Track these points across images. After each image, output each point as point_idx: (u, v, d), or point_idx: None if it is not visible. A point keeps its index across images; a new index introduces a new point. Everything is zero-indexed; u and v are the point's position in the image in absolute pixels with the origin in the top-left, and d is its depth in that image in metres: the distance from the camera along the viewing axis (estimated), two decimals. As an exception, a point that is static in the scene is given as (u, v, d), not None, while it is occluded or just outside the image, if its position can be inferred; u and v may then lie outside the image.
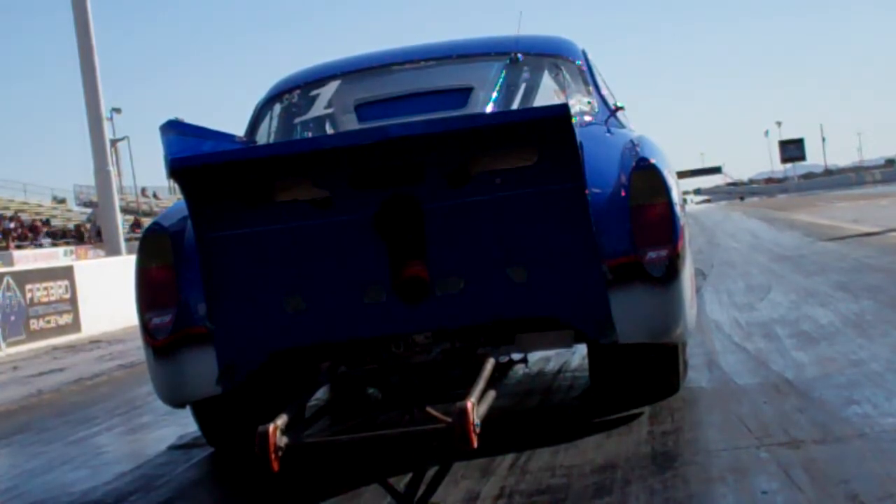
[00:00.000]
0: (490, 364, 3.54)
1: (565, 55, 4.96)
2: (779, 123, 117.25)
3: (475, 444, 3.03)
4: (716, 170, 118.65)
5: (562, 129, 3.38)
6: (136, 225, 46.92)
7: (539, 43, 5.05)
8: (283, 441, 3.14)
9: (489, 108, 4.49)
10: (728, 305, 7.36)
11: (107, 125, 19.43)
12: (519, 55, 4.81)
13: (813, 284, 8.03)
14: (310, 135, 4.68)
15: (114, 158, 40.28)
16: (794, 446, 3.36)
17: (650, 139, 4.31)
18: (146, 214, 52.59)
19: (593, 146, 3.83)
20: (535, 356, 5.18)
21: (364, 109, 4.69)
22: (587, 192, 3.55)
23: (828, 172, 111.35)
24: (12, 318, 12.30)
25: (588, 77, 4.87)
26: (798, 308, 6.76)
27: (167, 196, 63.31)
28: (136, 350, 10.52)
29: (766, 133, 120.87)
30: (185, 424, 5.39)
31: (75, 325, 13.48)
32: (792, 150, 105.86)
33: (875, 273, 8.39)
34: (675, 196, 3.88)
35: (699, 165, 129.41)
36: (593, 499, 3.13)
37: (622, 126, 4.67)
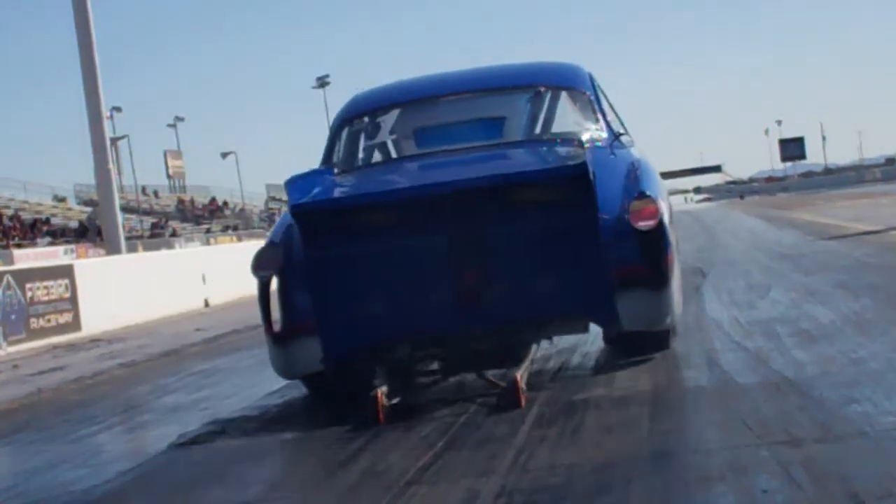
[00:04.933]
0: (533, 348, 5.04)
1: (576, 86, 6.07)
2: (779, 122, 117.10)
3: (523, 405, 4.50)
4: (716, 168, 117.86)
5: (581, 178, 4.64)
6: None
7: (555, 74, 6.25)
8: (386, 402, 4.62)
9: (520, 136, 5.82)
10: (728, 304, 7.36)
11: (107, 124, 19.43)
12: (540, 88, 6.03)
13: (813, 283, 8.03)
14: (379, 157, 6.05)
15: (114, 157, 40.25)
16: (795, 445, 3.36)
17: (647, 163, 5.58)
18: (146, 213, 52.59)
19: (602, 172, 4.83)
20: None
21: (420, 136, 5.98)
22: (598, 216, 4.75)
23: (828, 171, 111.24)
24: (12, 316, 12.30)
25: (596, 106, 5.96)
26: (798, 307, 6.76)
27: (167, 194, 63.37)
28: (137, 349, 10.54)
29: (767, 131, 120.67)
30: (185, 424, 5.40)
31: (75, 324, 13.48)
32: (792, 148, 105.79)
33: (875, 272, 8.39)
34: (666, 217, 5.00)
35: (699, 164, 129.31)
36: (594, 498, 3.13)
37: (624, 147, 5.75)
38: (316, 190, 5.16)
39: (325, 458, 4.20)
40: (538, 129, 5.88)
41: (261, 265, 5.18)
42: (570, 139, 5.54)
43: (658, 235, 4.86)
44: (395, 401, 4.70)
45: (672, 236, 5.08)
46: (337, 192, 5.38)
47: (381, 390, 4.67)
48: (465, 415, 4.57)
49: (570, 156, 5.13)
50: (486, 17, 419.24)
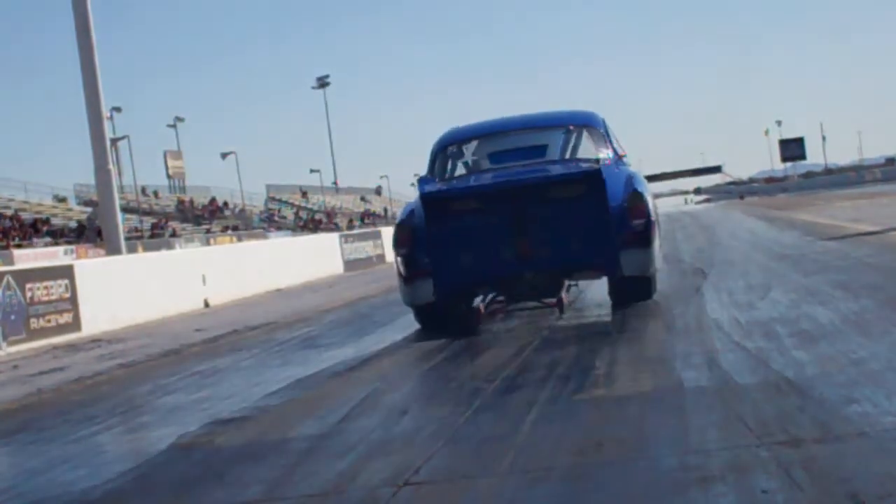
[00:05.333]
0: (566, 283, 7.97)
1: (593, 125, 8.91)
2: (779, 122, 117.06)
3: (564, 312, 7.69)
4: (716, 169, 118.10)
5: (597, 179, 7.36)
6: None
7: (579, 118, 9.08)
8: (484, 310, 7.83)
9: (557, 157, 8.58)
10: (728, 304, 7.37)
11: (107, 124, 19.40)
12: (570, 126, 8.89)
13: (813, 283, 8.03)
14: (465, 171, 8.76)
15: (114, 157, 40.26)
16: (795, 445, 3.36)
17: (638, 174, 8.45)
18: (147, 213, 52.57)
19: (609, 178, 7.48)
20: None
21: (492, 157, 8.79)
22: (608, 204, 7.35)
23: (828, 171, 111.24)
24: (12, 316, 12.29)
25: (606, 138, 8.81)
26: (798, 307, 6.76)
27: (167, 194, 63.34)
28: (137, 349, 10.54)
29: (767, 131, 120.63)
30: (185, 424, 5.40)
31: (75, 324, 13.47)
32: (792, 148, 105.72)
33: (875, 272, 8.39)
34: (650, 205, 7.79)
35: (699, 164, 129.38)
36: (592, 495, 3.13)
37: (624, 165, 8.65)
38: (433, 187, 8.09)
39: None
40: (568, 153, 8.69)
41: (398, 230, 8.04)
42: (589, 159, 8.30)
43: (643, 213, 7.69)
44: (488, 311, 7.98)
45: (654, 218, 7.87)
46: (446, 188, 8.11)
47: (481, 305, 8.04)
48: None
49: (589, 167, 7.79)
50: (487, 17, 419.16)
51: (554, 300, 7.70)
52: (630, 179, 7.97)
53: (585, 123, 8.89)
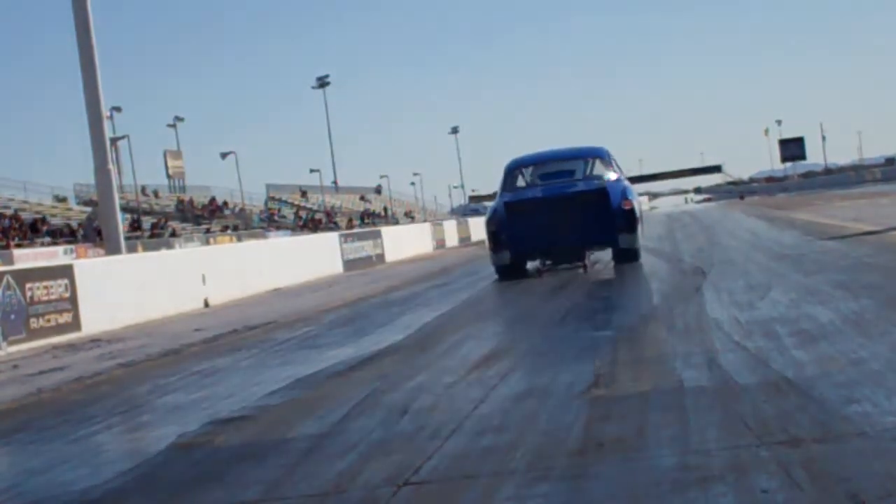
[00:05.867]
0: (587, 252, 13.27)
1: (602, 156, 13.92)
2: (779, 122, 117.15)
3: (587, 271, 12.80)
4: (716, 168, 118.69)
5: (603, 192, 12.84)
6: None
7: (594, 151, 14.11)
8: (539, 269, 13.50)
9: (581, 177, 13.70)
10: (728, 304, 7.36)
11: (107, 124, 19.39)
12: (588, 158, 13.96)
13: (813, 283, 8.03)
14: (524, 185, 13.88)
15: (114, 157, 40.23)
16: (795, 445, 3.36)
17: (629, 186, 13.45)
18: (146, 213, 52.55)
19: (611, 191, 12.83)
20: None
21: (541, 176, 13.91)
22: (611, 207, 12.67)
23: (828, 171, 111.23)
24: (12, 316, 12.29)
25: (610, 164, 13.77)
26: (798, 307, 6.76)
27: (167, 194, 63.31)
28: (137, 349, 10.54)
29: (767, 131, 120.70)
30: (185, 424, 5.40)
31: (75, 324, 13.47)
32: (792, 148, 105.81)
33: (875, 272, 8.39)
34: (636, 207, 13.01)
35: (699, 164, 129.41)
36: (592, 493, 3.13)
37: (620, 181, 13.38)
38: (510, 197, 13.31)
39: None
40: (588, 174, 13.75)
41: (489, 221, 13.30)
42: (600, 177, 13.42)
43: (632, 215, 12.59)
44: (543, 269, 13.26)
45: (638, 214, 12.94)
46: (517, 197, 13.27)
47: (538, 267, 13.43)
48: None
49: (600, 184, 13.07)
50: (487, 17, 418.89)
51: (581, 263, 13.07)
52: (624, 191, 13.04)
53: (597, 155, 14.09)
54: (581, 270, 12.80)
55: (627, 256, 12.75)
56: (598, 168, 13.62)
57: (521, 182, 13.85)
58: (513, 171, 14.04)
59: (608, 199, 12.52)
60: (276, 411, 5.51)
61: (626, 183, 13.47)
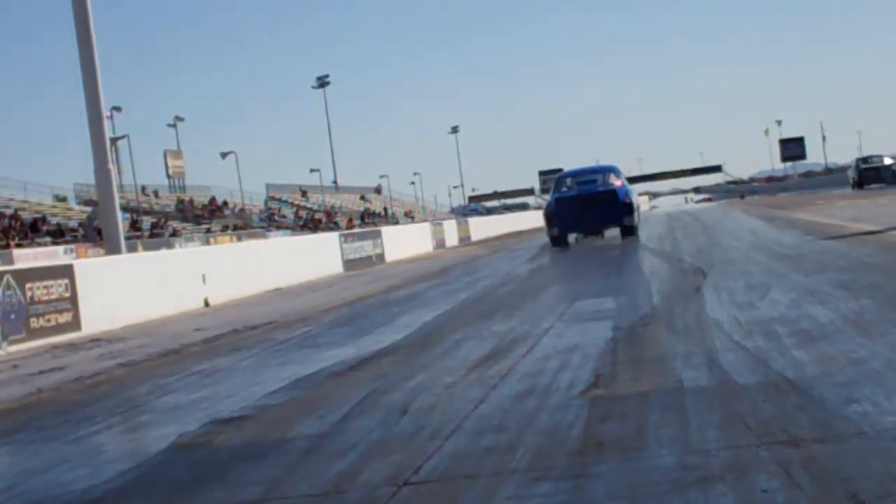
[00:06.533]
0: (604, 229, 22.75)
1: (615, 171, 22.48)
2: (779, 122, 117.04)
3: (603, 237, 22.85)
4: (716, 168, 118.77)
5: (614, 192, 21.17)
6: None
7: (609, 168, 22.94)
8: (575, 241, 22.91)
9: (600, 184, 21.76)
10: (728, 304, 7.36)
11: (107, 123, 19.39)
12: (605, 172, 22.51)
13: (813, 283, 8.03)
14: (566, 188, 22.16)
15: (114, 157, 40.25)
16: (795, 445, 3.37)
17: (631, 189, 22.56)
18: (146, 213, 52.54)
19: (619, 192, 21.26)
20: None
21: (577, 184, 22.10)
22: (619, 201, 21.19)
23: (828, 171, 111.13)
24: (12, 316, 12.29)
25: (619, 176, 22.28)
26: (798, 306, 6.76)
27: (167, 194, 63.31)
28: (137, 349, 10.54)
29: (767, 131, 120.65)
30: (185, 424, 5.40)
31: (75, 324, 13.47)
32: (792, 148, 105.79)
33: (875, 271, 8.38)
34: (635, 201, 21.81)
35: (699, 164, 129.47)
36: (593, 492, 3.13)
37: (625, 185, 22.08)
38: (559, 195, 21.46)
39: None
40: (604, 181, 21.51)
41: (546, 210, 21.87)
42: (612, 183, 21.37)
43: (631, 205, 20.75)
44: (577, 240, 22.71)
45: (635, 206, 21.37)
46: (562, 195, 21.34)
47: (573, 241, 22.30)
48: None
49: (611, 187, 21.15)
50: (487, 17, 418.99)
51: (600, 235, 22.29)
52: (627, 192, 20.97)
53: (611, 170, 22.15)
54: (599, 237, 22.44)
55: (630, 232, 20.57)
56: (611, 178, 21.70)
57: (564, 187, 21.89)
58: (560, 179, 22.90)
59: (616, 197, 20.58)
60: (276, 411, 5.51)
61: (629, 187, 21.91)
